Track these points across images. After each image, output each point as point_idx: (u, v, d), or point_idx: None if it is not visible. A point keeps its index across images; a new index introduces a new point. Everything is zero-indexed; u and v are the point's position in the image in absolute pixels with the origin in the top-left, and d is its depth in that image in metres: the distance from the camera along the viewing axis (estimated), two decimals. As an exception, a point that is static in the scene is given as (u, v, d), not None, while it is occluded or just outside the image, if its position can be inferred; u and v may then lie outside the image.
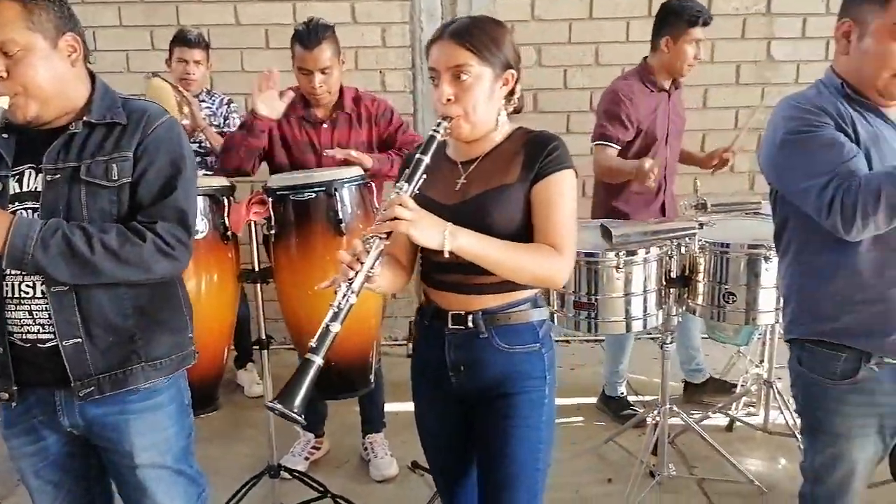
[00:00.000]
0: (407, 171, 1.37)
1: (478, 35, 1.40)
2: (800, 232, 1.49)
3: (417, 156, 1.37)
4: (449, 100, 1.41)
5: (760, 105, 3.04)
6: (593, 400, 3.25)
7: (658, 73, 2.79)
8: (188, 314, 1.57)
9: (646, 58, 2.85)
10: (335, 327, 1.25)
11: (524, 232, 1.44)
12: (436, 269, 1.49)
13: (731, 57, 3.67)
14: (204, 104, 3.16)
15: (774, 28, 3.64)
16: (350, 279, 1.27)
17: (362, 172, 2.28)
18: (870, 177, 1.31)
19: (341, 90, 2.55)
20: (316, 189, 2.13)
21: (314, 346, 1.24)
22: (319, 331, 1.25)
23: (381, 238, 1.30)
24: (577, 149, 2.32)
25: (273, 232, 2.18)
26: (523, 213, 1.44)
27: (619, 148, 2.74)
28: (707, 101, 3.74)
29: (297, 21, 2.65)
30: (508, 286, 1.45)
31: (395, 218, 1.28)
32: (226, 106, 3.26)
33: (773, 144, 1.47)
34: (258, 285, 2.28)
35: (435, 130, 1.39)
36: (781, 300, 1.60)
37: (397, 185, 1.36)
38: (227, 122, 3.21)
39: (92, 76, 1.47)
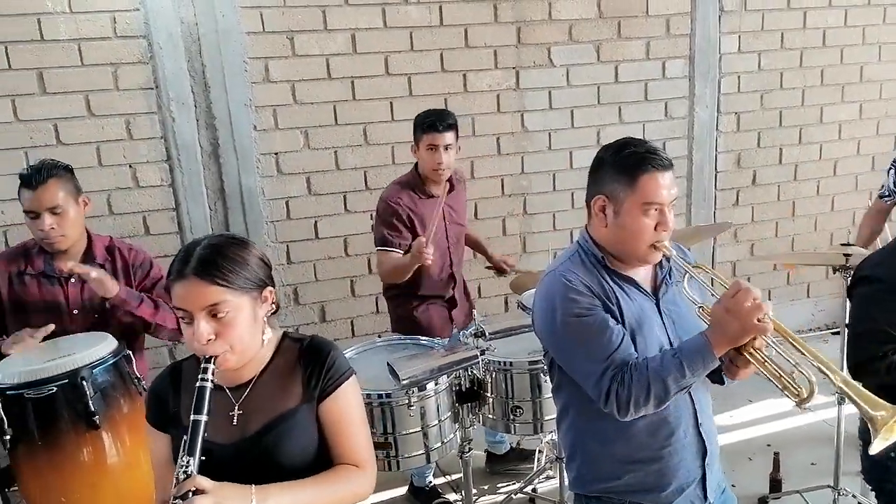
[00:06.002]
0: (185, 437, 1.21)
1: (225, 265, 1.28)
2: (576, 399, 1.56)
3: (193, 417, 1.22)
4: (209, 339, 1.27)
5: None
6: (403, 490, 3.22)
7: (424, 179, 2.83)
8: None
9: (417, 164, 2.89)
10: None
11: (320, 452, 1.38)
12: None
13: (491, 130, 3.87)
14: None
15: (525, 102, 3.90)
16: None
17: (115, 346, 1.98)
18: (641, 369, 1.41)
19: (90, 238, 2.22)
20: (57, 382, 1.81)
21: None
22: None
23: None
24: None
25: (8, 437, 1.81)
26: (316, 436, 1.37)
27: (402, 252, 2.76)
28: (475, 171, 3.90)
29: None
30: None
31: None
32: None
33: (553, 322, 1.50)
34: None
35: (203, 380, 1.25)
36: (565, 455, 1.67)
37: (180, 460, 1.19)
38: None
39: None
